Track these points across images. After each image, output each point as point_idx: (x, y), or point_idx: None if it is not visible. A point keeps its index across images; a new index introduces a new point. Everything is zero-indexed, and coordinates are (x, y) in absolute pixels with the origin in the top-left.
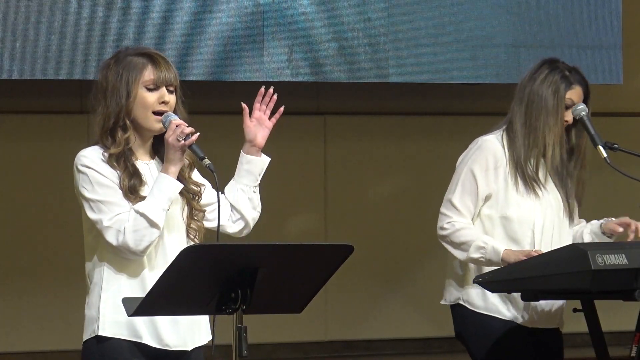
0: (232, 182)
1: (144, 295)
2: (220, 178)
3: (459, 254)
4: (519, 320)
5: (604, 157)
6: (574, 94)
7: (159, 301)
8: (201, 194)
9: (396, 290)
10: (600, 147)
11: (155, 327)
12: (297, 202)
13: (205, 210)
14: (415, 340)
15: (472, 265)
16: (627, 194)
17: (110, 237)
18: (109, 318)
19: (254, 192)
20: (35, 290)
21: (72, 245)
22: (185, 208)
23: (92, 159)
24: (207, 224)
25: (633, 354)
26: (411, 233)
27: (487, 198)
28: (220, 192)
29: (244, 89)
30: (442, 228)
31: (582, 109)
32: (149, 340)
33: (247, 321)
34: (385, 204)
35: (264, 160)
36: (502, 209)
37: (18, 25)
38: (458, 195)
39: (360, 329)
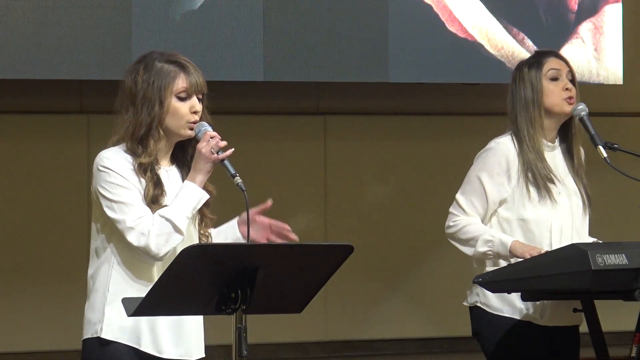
0: (221, 232)
1: None
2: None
3: (467, 250)
4: (537, 321)
5: (604, 157)
6: (552, 63)
7: (159, 301)
8: (210, 203)
9: (396, 290)
10: (600, 147)
11: (155, 336)
12: (297, 202)
13: (214, 218)
14: (415, 340)
15: (489, 266)
16: (627, 194)
17: (132, 238)
18: (114, 322)
19: None
20: (35, 290)
21: (73, 245)
22: (197, 216)
23: (114, 161)
24: None
25: (633, 354)
26: (411, 233)
27: (501, 202)
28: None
29: (244, 89)
30: (448, 226)
31: (582, 109)
32: (149, 348)
33: (247, 321)
34: (385, 204)
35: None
36: (518, 211)
37: (18, 26)
38: (464, 195)
39: (360, 329)
